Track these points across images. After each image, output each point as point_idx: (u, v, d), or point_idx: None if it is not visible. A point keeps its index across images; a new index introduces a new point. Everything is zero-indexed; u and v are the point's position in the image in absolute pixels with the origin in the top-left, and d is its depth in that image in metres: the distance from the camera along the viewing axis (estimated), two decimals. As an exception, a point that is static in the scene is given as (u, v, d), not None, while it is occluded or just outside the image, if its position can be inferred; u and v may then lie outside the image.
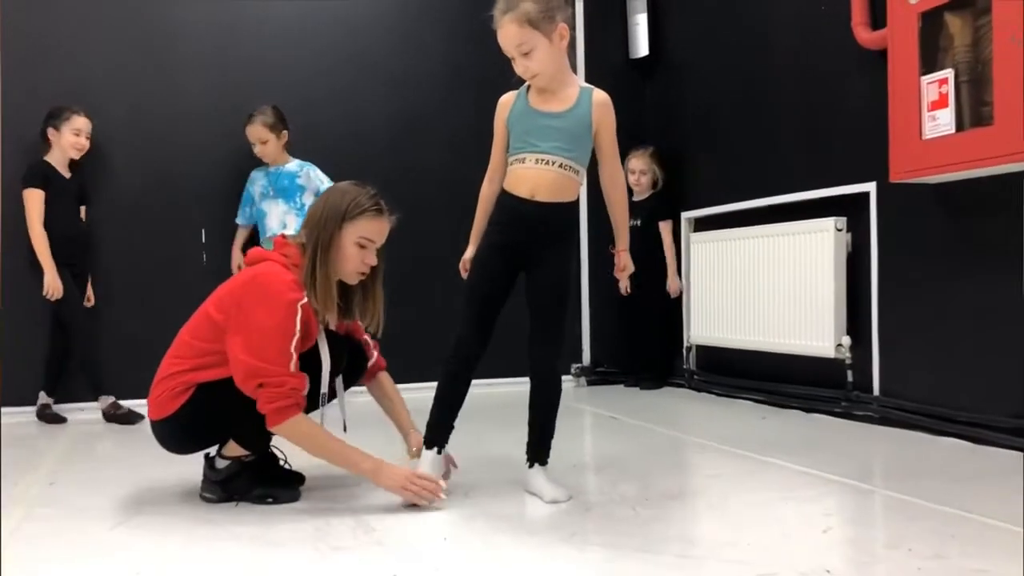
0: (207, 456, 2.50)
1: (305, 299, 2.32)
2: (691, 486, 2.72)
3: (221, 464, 2.46)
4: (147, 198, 4.52)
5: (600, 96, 2.47)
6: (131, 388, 4.03)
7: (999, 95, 2.85)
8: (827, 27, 3.84)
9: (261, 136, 4.30)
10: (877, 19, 3.51)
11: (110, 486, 2.72)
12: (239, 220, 4.52)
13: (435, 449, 2.53)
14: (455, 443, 2.59)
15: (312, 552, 2.00)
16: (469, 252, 2.59)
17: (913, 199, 3.43)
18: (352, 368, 2.63)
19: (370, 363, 2.72)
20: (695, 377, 4.81)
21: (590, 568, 1.93)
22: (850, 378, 3.75)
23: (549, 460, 2.55)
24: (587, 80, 5.20)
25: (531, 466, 2.53)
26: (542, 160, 2.42)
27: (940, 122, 3.07)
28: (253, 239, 4.49)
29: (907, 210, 3.48)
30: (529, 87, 2.49)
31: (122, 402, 4.16)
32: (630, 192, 4.86)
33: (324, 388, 2.45)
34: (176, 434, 2.45)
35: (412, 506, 2.36)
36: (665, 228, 4.88)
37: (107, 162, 4.44)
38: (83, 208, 4.30)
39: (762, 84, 4.33)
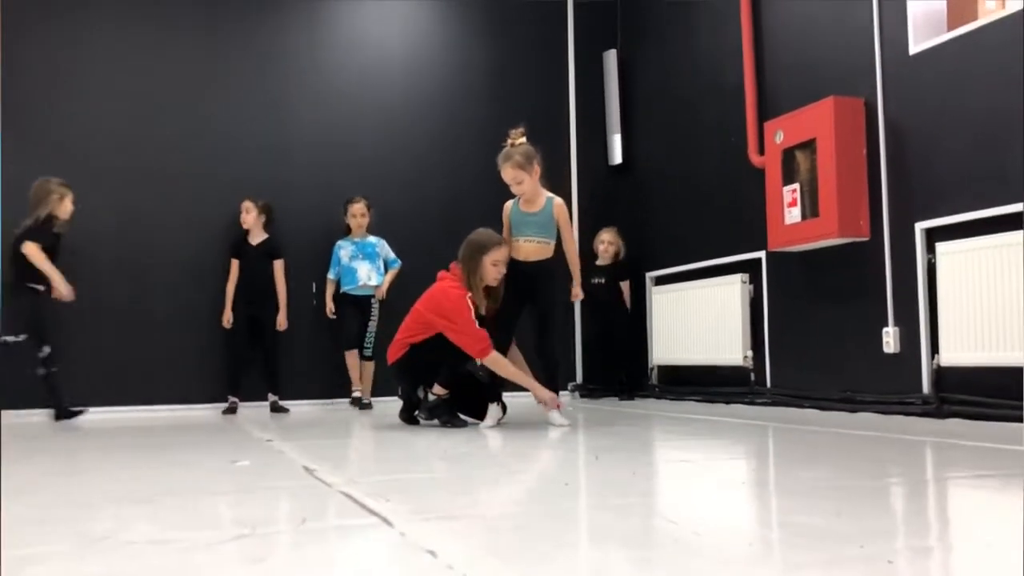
0: (424, 393, 4.53)
1: (470, 294, 4.35)
2: (651, 423, 4.72)
3: (431, 399, 4.51)
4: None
5: (558, 201, 4.55)
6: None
7: (822, 199, 4.92)
8: (734, 152, 5.95)
9: (363, 211, 6.42)
10: (763, 149, 5.62)
11: (362, 423, 4.72)
12: (331, 275, 6.51)
13: (496, 403, 4.51)
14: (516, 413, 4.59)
15: (467, 439, 4.00)
16: None
17: (786, 262, 5.49)
18: None
19: None
20: (656, 389, 6.80)
21: (577, 448, 3.93)
22: (753, 378, 5.76)
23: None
24: (578, 180, 7.49)
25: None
26: (527, 240, 4.49)
27: (794, 215, 5.14)
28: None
29: (782, 269, 5.54)
30: (519, 198, 4.53)
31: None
32: (596, 256, 6.93)
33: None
34: (400, 371, 4.57)
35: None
36: (624, 286, 6.89)
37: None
38: (277, 262, 6.29)
39: (696, 187, 6.44)
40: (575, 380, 7.21)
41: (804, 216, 5.07)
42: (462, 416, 4.53)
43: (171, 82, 6.45)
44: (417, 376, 4.56)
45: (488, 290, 4.51)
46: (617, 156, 7.28)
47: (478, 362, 4.48)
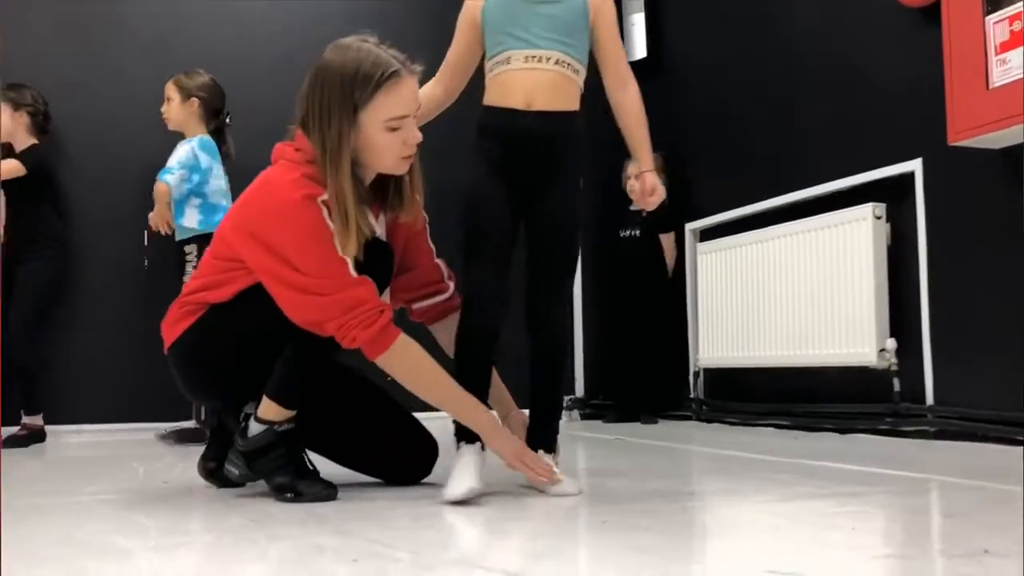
0: (244, 415, 1.94)
1: (324, 195, 1.80)
2: (702, 496, 2.15)
3: (254, 430, 1.90)
4: (89, 189, 4.01)
5: None
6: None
7: (1090, 22, 2.41)
8: (856, -4, 3.43)
9: (168, 92, 3.75)
10: (920, -28, 3.10)
11: None
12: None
13: (477, 443, 1.90)
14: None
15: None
16: None
17: (971, 173, 2.95)
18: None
19: (443, 297, 2.14)
20: (704, 407, 4.24)
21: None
22: (897, 387, 3.20)
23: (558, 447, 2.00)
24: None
25: (535, 451, 1.94)
26: (533, 57, 1.92)
27: (1012, 65, 2.61)
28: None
29: (963, 187, 3.00)
30: None
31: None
32: (628, 200, 4.41)
33: None
34: (184, 363, 1.99)
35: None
36: (667, 240, 4.38)
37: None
38: None
39: (777, 71, 3.89)
40: (574, 393, 4.65)
41: (1041, 65, 2.55)
42: (319, 473, 1.96)
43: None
44: (223, 375, 1.97)
45: (384, 186, 1.98)
46: (639, 47, 4.71)
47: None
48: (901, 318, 3.23)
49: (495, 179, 1.94)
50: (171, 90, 3.73)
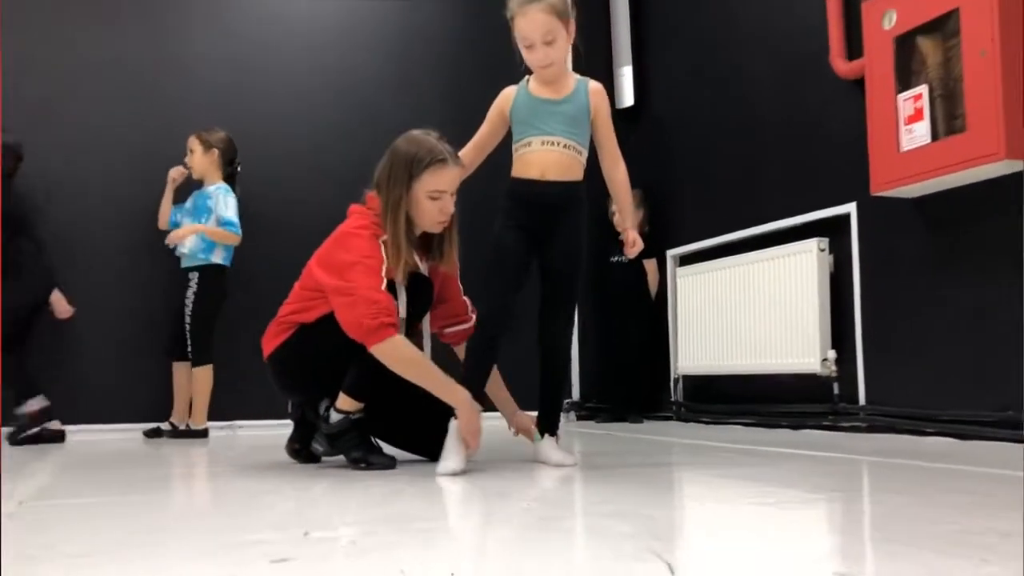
0: (325, 407, 2.60)
1: (385, 236, 2.50)
2: (682, 474, 2.83)
3: (334, 418, 2.57)
4: (100, 225, 4.65)
5: (595, 85, 2.69)
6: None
7: (971, 104, 3.11)
8: (805, 64, 4.13)
9: (191, 145, 4.42)
10: (852, 51, 3.81)
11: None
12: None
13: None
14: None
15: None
16: None
17: (893, 216, 3.65)
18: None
19: (466, 326, 2.83)
20: (683, 408, 4.93)
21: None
22: (836, 391, 3.90)
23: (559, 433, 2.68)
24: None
25: (541, 436, 2.63)
26: (547, 142, 2.59)
27: (918, 134, 3.31)
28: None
29: (888, 226, 3.70)
30: (528, 80, 2.68)
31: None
32: (617, 232, 5.08)
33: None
34: (279, 370, 2.69)
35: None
36: (650, 265, 5.07)
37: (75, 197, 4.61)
38: None
39: (744, 125, 4.60)
40: (570, 397, 5.33)
41: (937, 135, 3.25)
42: (382, 450, 2.65)
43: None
44: (308, 378, 2.67)
45: (428, 242, 2.69)
46: (627, 96, 5.44)
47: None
48: (840, 333, 3.93)
49: (517, 230, 2.63)
50: (194, 143, 4.43)
